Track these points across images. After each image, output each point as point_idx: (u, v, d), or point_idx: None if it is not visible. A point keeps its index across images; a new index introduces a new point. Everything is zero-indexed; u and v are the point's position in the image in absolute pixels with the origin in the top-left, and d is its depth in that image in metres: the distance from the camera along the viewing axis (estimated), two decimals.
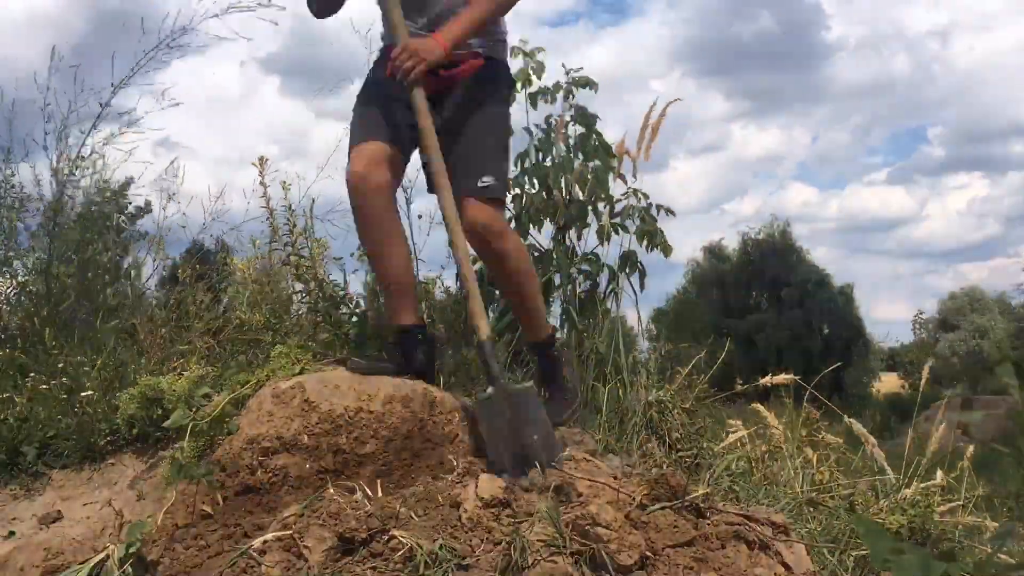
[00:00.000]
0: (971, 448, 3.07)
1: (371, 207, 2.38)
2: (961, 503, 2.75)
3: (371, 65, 2.69)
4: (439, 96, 2.48)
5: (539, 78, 3.78)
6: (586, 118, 3.74)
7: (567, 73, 3.83)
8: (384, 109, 2.45)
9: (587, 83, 3.81)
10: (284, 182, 2.88)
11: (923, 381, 3.93)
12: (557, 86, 3.81)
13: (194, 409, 2.12)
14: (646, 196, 3.67)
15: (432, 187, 2.42)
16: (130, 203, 3.21)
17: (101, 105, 2.67)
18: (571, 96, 3.81)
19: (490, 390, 2.15)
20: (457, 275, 2.63)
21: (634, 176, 3.66)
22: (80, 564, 1.89)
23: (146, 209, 3.22)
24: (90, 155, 2.87)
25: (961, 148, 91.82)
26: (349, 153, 2.43)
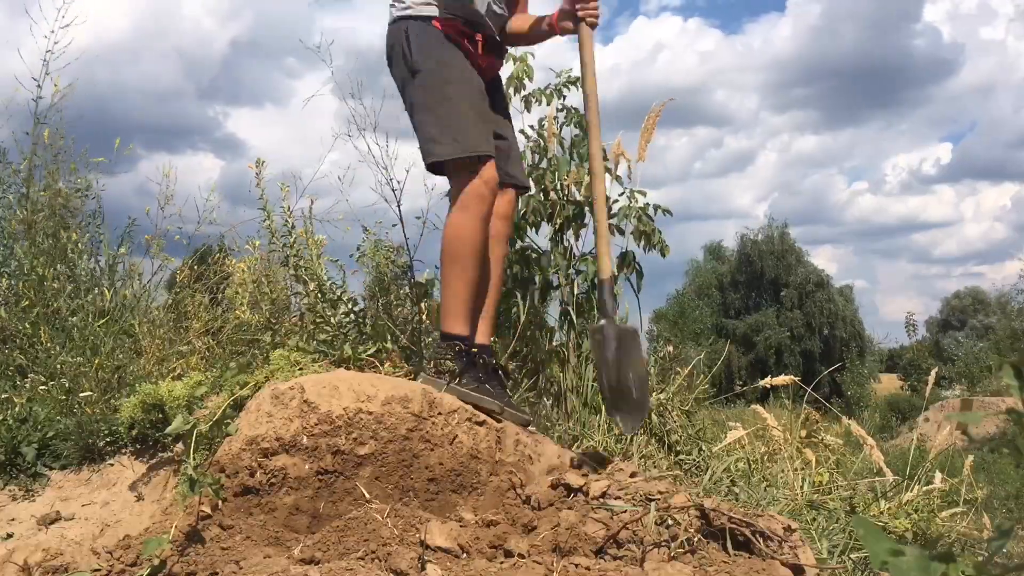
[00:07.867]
0: (970, 458, 3.06)
1: (482, 239, 2.38)
2: (962, 508, 2.75)
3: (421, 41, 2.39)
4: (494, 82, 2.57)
5: (530, 80, 3.78)
6: (579, 118, 3.73)
7: (557, 75, 3.82)
8: (485, 112, 2.45)
9: (577, 82, 3.80)
10: (283, 184, 2.88)
11: (928, 388, 3.87)
12: (548, 88, 3.80)
13: (193, 412, 2.11)
14: (644, 194, 3.67)
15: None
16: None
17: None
18: (562, 97, 3.81)
19: (602, 323, 2.32)
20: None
21: (629, 177, 3.66)
22: None
23: (86, 188, 3.07)
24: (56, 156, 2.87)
25: (994, 155, 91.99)
26: (465, 159, 2.33)
